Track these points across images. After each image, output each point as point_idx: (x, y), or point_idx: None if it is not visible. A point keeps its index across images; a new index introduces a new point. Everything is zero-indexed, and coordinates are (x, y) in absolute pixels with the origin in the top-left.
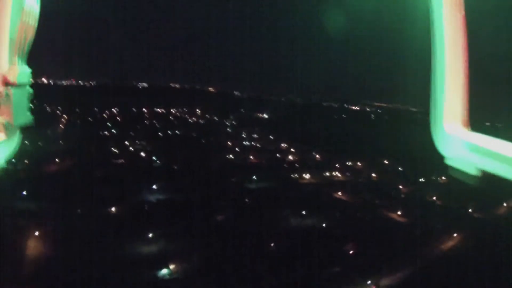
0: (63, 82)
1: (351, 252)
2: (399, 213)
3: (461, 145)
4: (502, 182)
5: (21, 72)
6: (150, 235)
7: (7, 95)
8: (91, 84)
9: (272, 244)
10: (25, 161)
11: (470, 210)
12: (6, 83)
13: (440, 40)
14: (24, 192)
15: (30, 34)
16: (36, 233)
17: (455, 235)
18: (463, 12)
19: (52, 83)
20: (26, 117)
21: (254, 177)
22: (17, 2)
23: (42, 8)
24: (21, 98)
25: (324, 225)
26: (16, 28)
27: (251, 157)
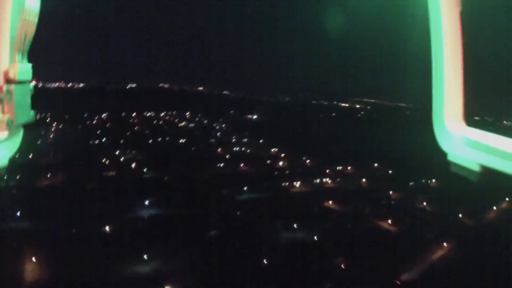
0: (52, 84)
1: (342, 266)
2: (389, 222)
3: (462, 141)
4: (502, 178)
5: (22, 69)
6: (145, 254)
7: (9, 92)
8: (79, 86)
9: (264, 260)
10: (17, 176)
11: (460, 216)
12: (7, 80)
13: (438, 36)
14: (18, 213)
15: (31, 31)
16: (32, 255)
17: (445, 244)
18: (459, 9)
19: (40, 86)
20: (28, 115)
21: (245, 188)
22: (18, 0)
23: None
24: (23, 95)
25: (315, 238)
26: (17, 25)
27: (241, 165)
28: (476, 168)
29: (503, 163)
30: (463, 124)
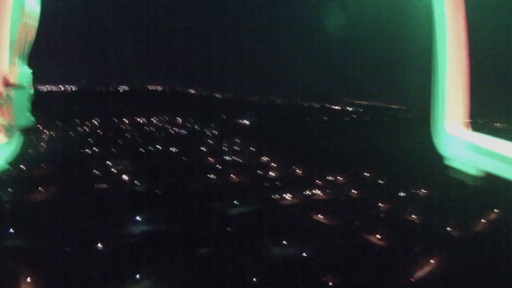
0: (43, 87)
1: (330, 283)
2: (378, 236)
3: (462, 145)
4: (501, 182)
5: (22, 73)
6: (137, 274)
7: (8, 96)
8: (71, 89)
9: (254, 279)
10: (9, 189)
11: (448, 229)
12: (7, 84)
13: (442, 41)
14: (11, 230)
15: (31, 35)
16: (24, 274)
17: (432, 260)
18: (464, 14)
19: (32, 89)
20: (27, 118)
21: (235, 201)
22: (18, 4)
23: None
24: (22, 99)
25: (305, 254)
26: (17, 29)
27: (232, 175)
28: (475, 172)
29: (503, 167)
30: (463, 128)
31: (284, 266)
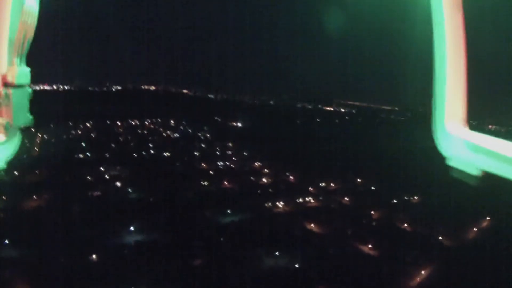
0: (36, 87)
1: None
2: (370, 246)
3: (462, 144)
4: (504, 184)
5: (21, 73)
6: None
7: (7, 95)
8: (64, 88)
9: None
10: (3, 197)
11: (440, 238)
12: (6, 84)
13: (440, 39)
14: (6, 240)
15: (30, 33)
16: (17, 285)
17: (423, 271)
18: (461, 11)
19: (31, 88)
20: (26, 118)
21: (228, 210)
22: (17, 1)
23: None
24: (21, 99)
25: (297, 265)
26: (16, 27)
27: (225, 182)
28: (478, 173)
29: (506, 168)
30: (463, 127)
31: (276, 276)
